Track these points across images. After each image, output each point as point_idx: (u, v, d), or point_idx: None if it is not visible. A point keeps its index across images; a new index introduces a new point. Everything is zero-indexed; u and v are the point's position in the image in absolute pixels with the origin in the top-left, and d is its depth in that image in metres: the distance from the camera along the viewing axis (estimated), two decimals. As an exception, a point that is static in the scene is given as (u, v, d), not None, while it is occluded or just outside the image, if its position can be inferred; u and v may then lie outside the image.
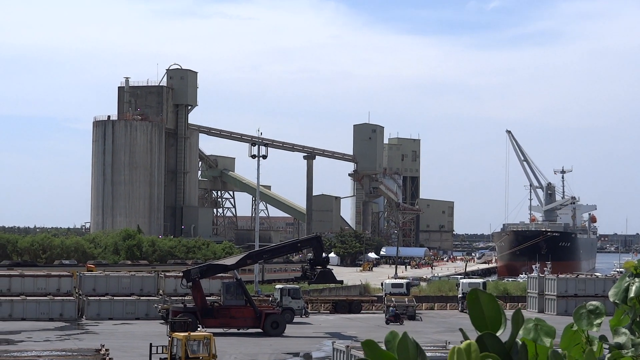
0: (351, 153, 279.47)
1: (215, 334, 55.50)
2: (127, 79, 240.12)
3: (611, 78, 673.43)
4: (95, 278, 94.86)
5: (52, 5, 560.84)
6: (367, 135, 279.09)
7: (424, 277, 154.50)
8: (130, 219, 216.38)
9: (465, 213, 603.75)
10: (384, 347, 4.08)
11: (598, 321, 4.59)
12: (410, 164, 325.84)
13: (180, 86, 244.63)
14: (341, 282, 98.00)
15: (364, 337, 69.52)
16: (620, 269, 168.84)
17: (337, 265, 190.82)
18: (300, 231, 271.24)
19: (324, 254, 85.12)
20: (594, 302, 4.67)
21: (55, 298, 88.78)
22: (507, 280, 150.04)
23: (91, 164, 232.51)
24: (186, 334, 51.41)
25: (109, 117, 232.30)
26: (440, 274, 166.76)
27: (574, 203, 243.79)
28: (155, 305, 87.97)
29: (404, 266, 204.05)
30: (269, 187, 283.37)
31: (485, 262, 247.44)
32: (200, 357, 50.03)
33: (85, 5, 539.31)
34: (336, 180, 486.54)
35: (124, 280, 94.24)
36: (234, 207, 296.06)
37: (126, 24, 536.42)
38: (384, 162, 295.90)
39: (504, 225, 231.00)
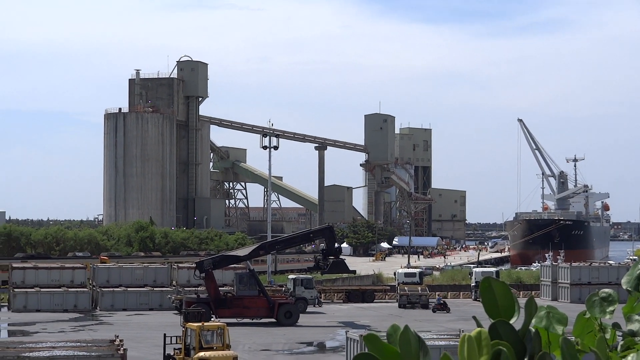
0: (362, 143, 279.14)
1: (228, 324, 55.61)
2: (137, 72, 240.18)
3: (623, 65, 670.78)
4: (109, 270, 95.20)
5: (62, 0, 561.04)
6: (378, 125, 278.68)
7: (437, 266, 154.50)
8: (143, 211, 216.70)
9: (478, 202, 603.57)
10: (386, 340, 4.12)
11: (611, 308, 4.61)
12: (422, 153, 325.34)
13: (191, 78, 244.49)
14: (354, 272, 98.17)
15: (377, 326, 69.79)
16: (634, 257, 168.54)
17: (350, 255, 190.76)
18: (313, 222, 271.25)
19: (336, 244, 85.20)
20: (606, 290, 4.70)
21: (69, 290, 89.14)
22: (520, 268, 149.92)
23: (103, 157, 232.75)
24: (200, 324, 51.52)
25: (120, 109, 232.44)
26: (453, 263, 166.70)
27: (586, 191, 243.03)
28: (169, 296, 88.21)
29: (416, 256, 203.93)
30: (280, 178, 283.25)
31: (497, 251, 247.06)
32: (214, 347, 50.15)
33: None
34: (348, 170, 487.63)
35: (137, 271, 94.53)
36: (246, 198, 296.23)
37: (136, 16, 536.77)
38: (396, 152, 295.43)
39: (516, 214, 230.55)
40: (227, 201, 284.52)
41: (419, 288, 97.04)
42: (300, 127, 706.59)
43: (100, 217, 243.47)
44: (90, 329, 72.89)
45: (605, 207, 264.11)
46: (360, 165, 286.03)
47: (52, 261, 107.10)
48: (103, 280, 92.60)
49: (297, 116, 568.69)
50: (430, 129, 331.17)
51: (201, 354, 48.65)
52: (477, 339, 3.96)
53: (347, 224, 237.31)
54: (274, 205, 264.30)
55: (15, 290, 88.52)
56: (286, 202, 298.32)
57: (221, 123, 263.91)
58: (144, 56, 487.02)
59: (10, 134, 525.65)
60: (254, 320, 79.41)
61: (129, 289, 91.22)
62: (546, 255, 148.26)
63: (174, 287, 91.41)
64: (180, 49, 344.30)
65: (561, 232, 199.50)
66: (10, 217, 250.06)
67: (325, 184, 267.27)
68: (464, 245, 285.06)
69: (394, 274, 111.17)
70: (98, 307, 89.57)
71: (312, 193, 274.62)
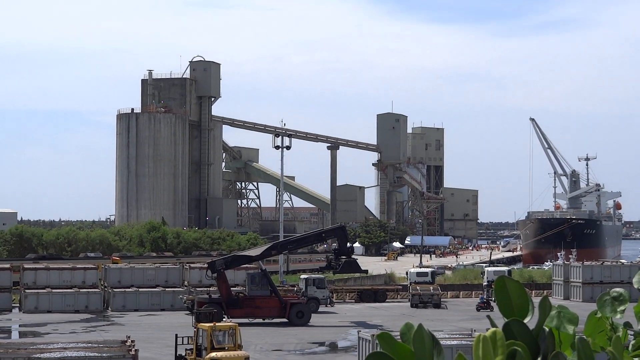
0: (375, 143, 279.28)
1: (240, 324, 55.58)
2: (150, 72, 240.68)
3: (635, 63, 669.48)
4: (121, 270, 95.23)
5: (75, 0, 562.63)
6: (390, 124, 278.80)
7: (449, 265, 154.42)
8: (155, 211, 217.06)
9: (490, 201, 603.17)
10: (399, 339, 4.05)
11: (622, 308, 4.54)
12: (434, 153, 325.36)
13: (204, 78, 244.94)
14: (366, 271, 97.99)
15: (390, 326, 69.74)
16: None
17: (362, 254, 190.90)
18: (325, 221, 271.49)
19: (348, 244, 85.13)
20: (617, 289, 4.63)
21: (81, 290, 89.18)
22: (533, 268, 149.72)
23: (115, 157, 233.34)
24: (212, 324, 51.48)
25: (132, 110, 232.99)
26: (465, 263, 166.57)
27: (598, 190, 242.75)
28: (181, 296, 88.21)
29: (428, 255, 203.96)
30: (292, 178, 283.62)
31: (510, 250, 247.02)
32: (226, 347, 50.11)
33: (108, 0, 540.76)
34: (360, 170, 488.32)
35: (149, 272, 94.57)
36: (258, 198, 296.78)
37: (149, 16, 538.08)
38: (408, 151, 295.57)
39: (528, 213, 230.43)
40: (239, 201, 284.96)
41: (431, 287, 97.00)
42: (312, 126, 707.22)
43: (112, 218, 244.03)
44: (101, 330, 72.95)
45: (617, 206, 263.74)
46: (373, 164, 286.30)
47: (63, 262, 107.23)
48: (115, 280, 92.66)
49: (309, 116, 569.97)
50: (443, 129, 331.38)
51: (213, 354, 48.61)
52: (492, 339, 3.91)
53: (360, 224, 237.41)
54: (286, 205, 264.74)
55: (27, 291, 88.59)
56: (298, 202, 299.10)
57: (233, 123, 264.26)
58: (157, 56, 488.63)
59: (22, 133, 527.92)
60: (266, 321, 79.40)
61: (140, 289, 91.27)
62: (558, 254, 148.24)
63: (185, 288, 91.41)
64: (193, 49, 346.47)
65: (573, 231, 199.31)
66: (22, 218, 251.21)
67: (338, 184, 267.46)
68: (476, 245, 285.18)
69: (406, 273, 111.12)
70: (110, 308, 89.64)
71: (325, 193, 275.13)
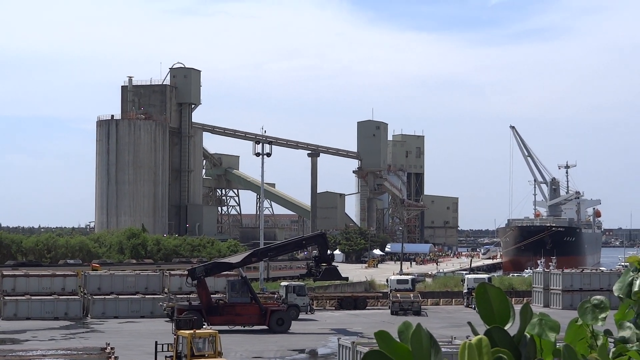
0: (355, 150, 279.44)
1: (220, 332, 55.50)
2: (130, 78, 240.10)
3: (615, 72, 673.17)
4: (100, 277, 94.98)
5: (55, 5, 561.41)
6: (371, 132, 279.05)
7: (429, 273, 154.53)
8: (135, 218, 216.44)
9: (470, 209, 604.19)
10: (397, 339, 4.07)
11: (603, 315, 4.56)
12: (415, 160, 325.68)
13: (184, 85, 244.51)
14: (346, 278, 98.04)
15: (370, 333, 69.62)
16: (625, 263, 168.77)
17: (342, 262, 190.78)
18: (305, 228, 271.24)
19: (328, 251, 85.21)
20: (598, 297, 4.65)
21: (60, 297, 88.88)
22: (513, 275, 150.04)
23: (95, 164, 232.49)
24: (191, 331, 51.40)
25: (112, 116, 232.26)
26: (445, 270, 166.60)
27: (578, 198, 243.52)
28: (161, 303, 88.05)
29: (409, 262, 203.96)
30: (273, 185, 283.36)
31: (490, 258, 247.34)
32: (206, 355, 50.02)
33: (88, 5, 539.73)
34: (340, 177, 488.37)
35: (129, 279, 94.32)
36: (239, 205, 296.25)
37: (129, 23, 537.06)
38: (388, 158, 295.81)
39: (508, 220, 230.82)
40: (219, 208, 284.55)
41: (412, 295, 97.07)
42: (293, 133, 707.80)
43: (92, 224, 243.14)
44: (81, 337, 72.69)
45: (597, 214, 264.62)
46: (353, 172, 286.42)
47: (43, 269, 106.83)
48: (94, 287, 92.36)
49: (290, 123, 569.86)
50: (423, 136, 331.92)
51: (193, 361, 48.51)
52: (477, 346, 3.91)
53: (340, 231, 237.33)
54: (266, 212, 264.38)
55: (6, 297, 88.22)
56: (279, 209, 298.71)
57: (214, 130, 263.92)
58: (138, 63, 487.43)
59: (1, 139, 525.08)
60: (246, 328, 79.31)
61: (120, 296, 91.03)
62: (538, 261, 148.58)
63: (165, 295, 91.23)
64: (174, 56, 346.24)
65: (553, 239, 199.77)
66: (0, 225, 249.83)
67: (318, 191, 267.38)
68: (456, 252, 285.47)
69: (387, 280, 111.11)
70: (89, 315, 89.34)
71: (305, 200, 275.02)
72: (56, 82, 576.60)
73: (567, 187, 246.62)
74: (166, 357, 52.54)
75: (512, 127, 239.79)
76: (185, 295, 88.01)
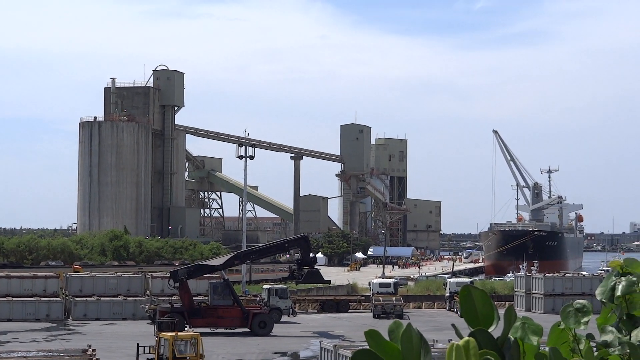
0: (338, 153, 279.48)
1: (202, 334, 55.44)
2: (113, 80, 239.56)
3: (597, 77, 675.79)
4: (82, 279, 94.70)
5: (38, 6, 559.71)
6: (354, 135, 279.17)
7: (412, 276, 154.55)
8: (117, 220, 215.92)
9: (453, 213, 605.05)
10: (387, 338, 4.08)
11: (585, 319, 4.59)
12: (398, 164, 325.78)
13: (167, 87, 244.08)
14: (329, 281, 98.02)
15: (352, 336, 69.76)
16: (607, 268, 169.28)
17: (325, 265, 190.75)
18: (288, 231, 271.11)
19: (311, 254, 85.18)
20: (580, 301, 4.68)
21: (42, 299, 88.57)
22: (495, 279, 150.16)
23: (78, 165, 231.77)
24: (173, 334, 51.33)
25: (95, 118, 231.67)
26: (427, 274, 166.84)
27: (560, 202, 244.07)
28: (143, 305, 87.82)
29: (391, 266, 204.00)
30: (256, 188, 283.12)
31: (472, 262, 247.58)
32: (188, 357, 49.96)
33: (71, 7, 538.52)
34: (323, 180, 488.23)
35: (111, 281, 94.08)
36: (221, 207, 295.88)
37: (113, 25, 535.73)
38: (371, 162, 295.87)
39: (491, 224, 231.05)
40: (202, 210, 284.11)
41: (394, 298, 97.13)
42: (276, 136, 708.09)
43: (74, 226, 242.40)
44: (62, 339, 72.44)
45: (579, 219, 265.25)
46: (336, 175, 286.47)
47: (24, 270, 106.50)
48: (76, 289, 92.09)
49: (273, 126, 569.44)
50: (406, 140, 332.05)
51: (174, 363, 48.44)
52: (465, 348, 3.92)
53: (322, 234, 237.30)
54: (249, 214, 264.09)
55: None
56: (261, 212, 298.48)
57: (197, 132, 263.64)
58: (121, 65, 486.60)
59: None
60: (228, 330, 79.22)
61: (102, 298, 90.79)
62: (520, 265, 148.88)
63: (147, 297, 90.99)
64: (158, 58, 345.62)
65: (535, 243, 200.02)
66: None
67: (301, 194, 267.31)
68: (438, 256, 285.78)
69: (369, 284, 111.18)
70: (71, 317, 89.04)
71: (288, 203, 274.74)
72: (39, 83, 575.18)
73: (550, 191, 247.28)
74: (148, 359, 52.43)
75: (495, 132, 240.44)
76: (167, 298, 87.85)
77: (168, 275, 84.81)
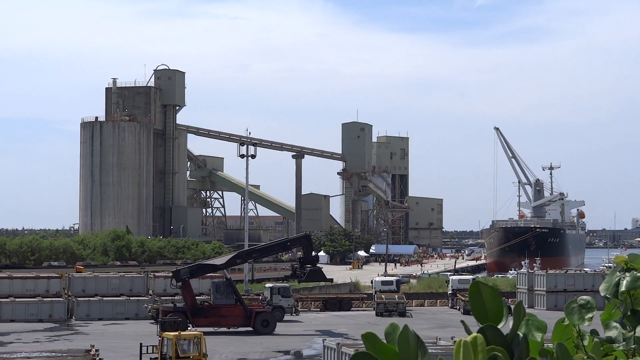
0: (340, 152, 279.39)
1: (205, 333, 55.46)
2: (114, 80, 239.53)
3: (598, 74, 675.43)
4: (85, 279, 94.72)
5: (39, 6, 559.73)
6: (355, 133, 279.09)
7: (414, 274, 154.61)
8: (119, 220, 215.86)
9: (454, 210, 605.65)
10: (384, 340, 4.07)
11: (589, 315, 4.59)
12: (399, 161, 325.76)
13: (168, 86, 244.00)
14: (331, 280, 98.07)
15: (355, 334, 69.75)
16: (609, 264, 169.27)
17: (327, 263, 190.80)
18: (290, 230, 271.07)
19: (313, 253, 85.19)
20: (585, 297, 4.67)
21: (44, 299, 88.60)
22: (497, 276, 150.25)
23: (79, 165, 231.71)
24: (176, 333, 51.35)
25: (96, 118, 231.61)
26: (429, 271, 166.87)
27: (562, 199, 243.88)
28: (145, 305, 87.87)
29: (393, 264, 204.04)
30: (257, 187, 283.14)
31: (474, 259, 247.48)
32: (191, 357, 49.97)
33: (72, 7, 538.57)
34: (325, 179, 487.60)
35: (113, 281, 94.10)
36: (223, 206, 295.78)
37: (113, 25, 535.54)
38: (373, 160, 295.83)
39: (492, 222, 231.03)
40: (204, 210, 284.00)
41: (396, 296, 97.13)
42: (277, 135, 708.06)
43: (76, 226, 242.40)
44: (65, 339, 72.48)
45: (581, 215, 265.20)
46: (338, 173, 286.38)
47: (27, 271, 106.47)
48: (79, 289, 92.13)
49: (274, 124, 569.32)
50: (408, 137, 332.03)
51: (178, 363, 48.45)
52: (472, 344, 3.92)
53: (325, 233, 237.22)
54: (251, 213, 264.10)
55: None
56: (263, 211, 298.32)
57: (198, 132, 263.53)
58: (122, 64, 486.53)
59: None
60: (231, 329, 79.23)
61: (104, 298, 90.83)
62: (522, 262, 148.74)
63: (150, 297, 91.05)
64: (158, 57, 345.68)
65: (537, 240, 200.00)
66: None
67: (303, 193, 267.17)
68: (440, 253, 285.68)
69: (371, 282, 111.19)
70: (73, 317, 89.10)
71: (290, 201, 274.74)
72: (40, 83, 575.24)
73: (551, 188, 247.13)
74: (151, 358, 52.46)
75: (497, 129, 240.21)
76: (170, 297, 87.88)
77: (170, 274, 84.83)
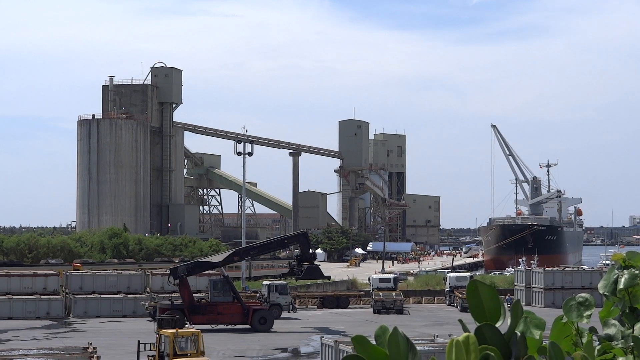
0: (337, 149, 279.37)
1: (203, 331, 55.42)
2: (111, 78, 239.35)
3: (595, 71, 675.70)
4: (82, 277, 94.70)
5: (36, 4, 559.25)
6: (352, 131, 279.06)
7: (411, 271, 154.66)
8: (116, 218, 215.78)
9: (452, 208, 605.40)
10: (374, 342, 4.07)
11: (588, 313, 4.60)
12: (396, 159, 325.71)
13: (165, 84, 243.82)
14: (328, 277, 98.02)
15: (352, 331, 69.79)
16: (607, 262, 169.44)
17: (324, 261, 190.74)
18: (287, 228, 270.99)
19: (310, 250, 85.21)
20: (583, 294, 4.68)
21: (42, 297, 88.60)
22: (494, 274, 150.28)
23: (76, 163, 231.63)
24: (174, 330, 51.31)
25: (93, 116, 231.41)
26: (427, 269, 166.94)
27: (559, 196, 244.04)
28: (143, 302, 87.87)
29: (391, 261, 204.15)
30: (255, 184, 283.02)
31: (471, 256, 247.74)
32: (189, 354, 49.95)
33: (69, 5, 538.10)
34: (322, 176, 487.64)
35: (111, 278, 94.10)
36: (220, 204, 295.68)
37: (110, 22, 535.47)
38: (370, 157, 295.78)
39: (490, 219, 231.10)
40: (201, 207, 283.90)
41: (394, 293, 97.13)
42: (274, 133, 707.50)
43: (74, 224, 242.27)
44: (63, 337, 72.48)
45: (578, 212, 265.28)
46: (335, 171, 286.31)
47: (24, 268, 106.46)
48: (76, 287, 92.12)
49: (271, 122, 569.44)
50: (404, 135, 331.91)
51: (175, 360, 48.44)
52: (465, 343, 3.93)
53: (322, 230, 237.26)
54: (248, 211, 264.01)
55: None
56: (260, 208, 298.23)
57: (195, 129, 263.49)
58: (119, 62, 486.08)
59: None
60: (229, 327, 79.25)
61: (102, 295, 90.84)
62: (520, 260, 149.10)
63: (147, 294, 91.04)
64: (155, 55, 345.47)
65: (535, 237, 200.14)
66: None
67: (300, 190, 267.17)
68: (438, 251, 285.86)
69: (369, 279, 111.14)
70: (71, 314, 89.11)
71: (287, 199, 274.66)
72: (36, 81, 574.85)
73: (549, 185, 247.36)
74: (149, 356, 52.43)
75: (493, 126, 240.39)
76: (168, 295, 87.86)
77: (168, 272, 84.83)
